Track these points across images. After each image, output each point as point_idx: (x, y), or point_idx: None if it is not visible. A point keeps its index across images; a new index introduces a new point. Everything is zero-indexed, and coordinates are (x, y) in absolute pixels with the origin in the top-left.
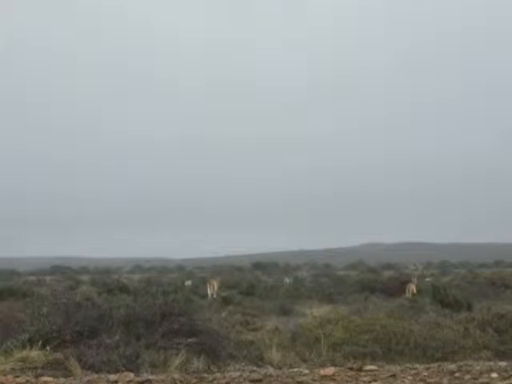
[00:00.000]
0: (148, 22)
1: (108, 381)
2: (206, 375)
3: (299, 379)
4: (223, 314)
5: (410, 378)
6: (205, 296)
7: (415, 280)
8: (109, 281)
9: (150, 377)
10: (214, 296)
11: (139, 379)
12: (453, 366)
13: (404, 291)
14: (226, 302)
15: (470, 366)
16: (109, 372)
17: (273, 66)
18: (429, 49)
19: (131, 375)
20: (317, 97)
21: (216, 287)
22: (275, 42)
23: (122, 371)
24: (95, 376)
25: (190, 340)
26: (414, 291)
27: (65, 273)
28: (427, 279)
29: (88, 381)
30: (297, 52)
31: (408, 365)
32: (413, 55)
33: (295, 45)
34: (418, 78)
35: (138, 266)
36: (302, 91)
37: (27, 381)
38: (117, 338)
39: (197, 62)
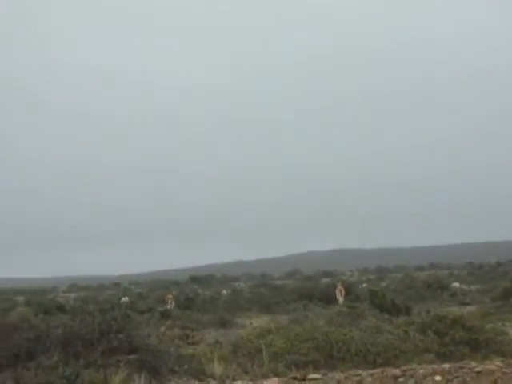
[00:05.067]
0: None
1: None
2: None
3: None
4: (162, 329)
5: None
6: (143, 312)
7: (339, 284)
8: (45, 301)
9: None
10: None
11: None
12: (397, 371)
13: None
14: (164, 316)
15: (414, 369)
16: None
17: None
18: None
19: None
20: None
21: (172, 301)
22: None
23: None
24: None
25: (129, 357)
26: (343, 292)
27: None
28: (364, 285)
29: None
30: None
31: (351, 372)
32: None
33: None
34: None
35: (73, 285)
36: None
37: None
38: (55, 358)
39: None
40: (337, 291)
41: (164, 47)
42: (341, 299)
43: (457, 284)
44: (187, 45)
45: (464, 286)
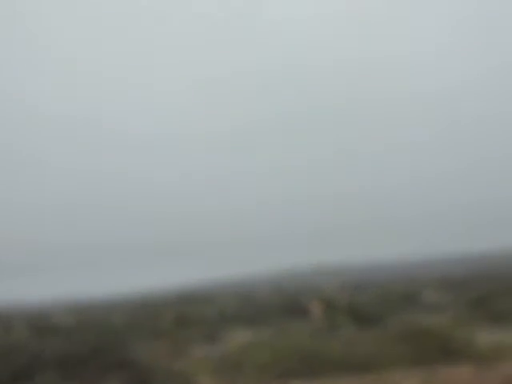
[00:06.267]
0: None
1: None
2: None
3: None
4: (154, 345)
5: None
6: (134, 329)
7: (315, 300)
8: (40, 323)
9: None
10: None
11: None
12: (373, 377)
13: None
14: (155, 332)
15: (389, 376)
16: None
17: None
18: None
19: None
20: None
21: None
22: None
23: None
24: None
25: (122, 373)
26: (319, 308)
27: None
28: (341, 298)
29: None
30: None
31: (331, 380)
32: None
33: None
34: None
35: (69, 307)
36: None
37: None
38: (51, 377)
39: None
40: (312, 308)
41: None
42: (317, 314)
43: (429, 295)
44: None
45: (436, 297)
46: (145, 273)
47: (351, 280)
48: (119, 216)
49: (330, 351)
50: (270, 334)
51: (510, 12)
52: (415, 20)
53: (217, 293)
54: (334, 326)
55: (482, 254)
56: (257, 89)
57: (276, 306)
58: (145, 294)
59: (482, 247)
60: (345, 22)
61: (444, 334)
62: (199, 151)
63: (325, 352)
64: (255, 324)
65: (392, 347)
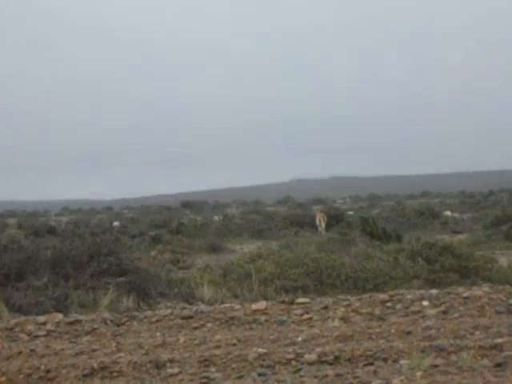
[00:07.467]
0: None
1: (36, 322)
2: (136, 314)
3: (231, 314)
4: (152, 253)
5: (342, 309)
6: (134, 236)
7: (319, 210)
8: (36, 223)
9: (80, 317)
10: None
11: (68, 320)
12: (384, 296)
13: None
14: (155, 240)
15: (401, 295)
16: (37, 314)
17: None
18: None
19: (60, 316)
20: None
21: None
22: None
23: (51, 312)
24: (23, 318)
25: (119, 279)
26: (324, 220)
27: None
28: (350, 212)
29: (16, 323)
30: None
31: (340, 296)
32: None
33: None
34: None
35: (65, 209)
36: None
37: None
38: (45, 279)
39: None
40: (317, 219)
41: None
42: (322, 227)
43: (448, 212)
44: None
45: (455, 215)
46: (149, 180)
47: (365, 193)
48: (123, 130)
49: (339, 266)
50: (277, 245)
51: None
52: None
53: (223, 202)
54: (346, 240)
55: (506, 172)
56: None
57: (285, 216)
58: (148, 200)
59: (506, 164)
60: None
61: (462, 253)
62: None
63: (334, 267)
64: (262, 235)
65: (406, 265)
